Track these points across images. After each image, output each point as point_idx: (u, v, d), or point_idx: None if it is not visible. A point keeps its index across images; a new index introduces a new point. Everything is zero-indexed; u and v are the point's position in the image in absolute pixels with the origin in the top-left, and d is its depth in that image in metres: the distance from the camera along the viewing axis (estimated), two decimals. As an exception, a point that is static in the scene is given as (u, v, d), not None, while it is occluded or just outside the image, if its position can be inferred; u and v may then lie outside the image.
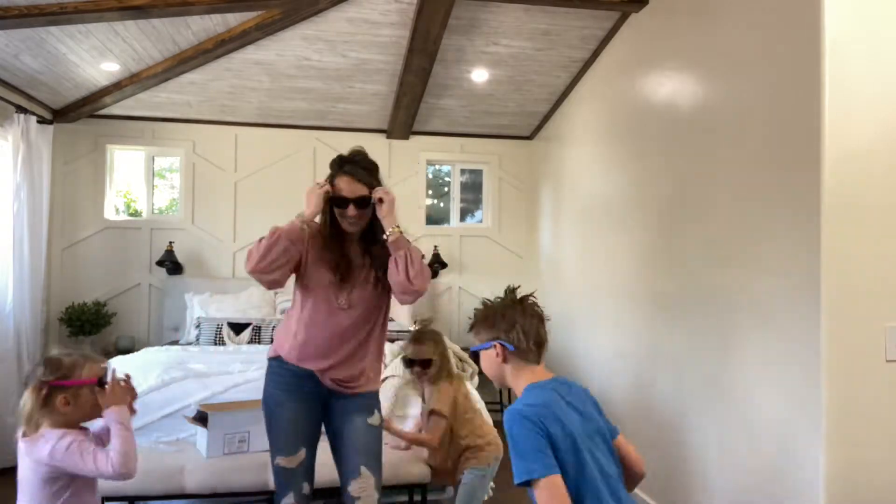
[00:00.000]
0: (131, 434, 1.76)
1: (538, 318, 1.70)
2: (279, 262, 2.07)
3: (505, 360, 1.69)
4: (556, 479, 1.44)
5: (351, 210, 2.15)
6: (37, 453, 1.69)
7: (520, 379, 1.68)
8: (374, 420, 2.27)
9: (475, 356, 1.80)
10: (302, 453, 2.20)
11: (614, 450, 1.65)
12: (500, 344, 1.68)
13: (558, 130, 5.14)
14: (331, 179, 2.20)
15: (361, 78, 4.64)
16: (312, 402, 2.22)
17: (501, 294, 1.77)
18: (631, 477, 1.71)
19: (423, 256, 2.22)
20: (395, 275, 2.13)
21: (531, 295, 1.73)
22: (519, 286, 1.76)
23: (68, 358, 1.79)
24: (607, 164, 4.18)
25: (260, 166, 5.37)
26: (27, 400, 1.77)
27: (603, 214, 4.21)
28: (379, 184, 2.23)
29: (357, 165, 2.22)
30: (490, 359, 1.72)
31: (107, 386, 1.80)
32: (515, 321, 1.67)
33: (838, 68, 2.27)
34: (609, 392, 4.01)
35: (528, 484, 1.45)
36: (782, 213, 2.48)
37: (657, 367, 3.44)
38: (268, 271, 2.07)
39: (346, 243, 2.23)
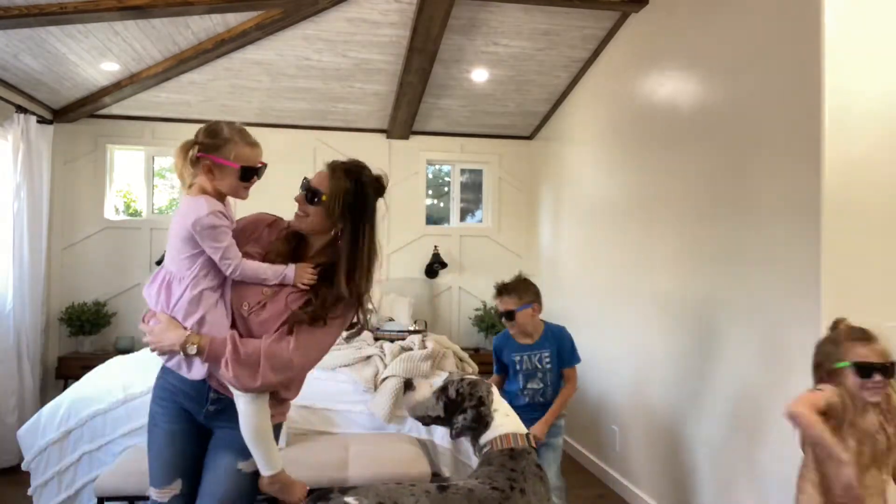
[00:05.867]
0: (267, 276, 1.77)
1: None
2: None
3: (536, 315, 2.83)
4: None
5: (298, 196, 1.88)
6: (186, 215, 1.71)
7: (539, 323, 2.87)
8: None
9: (510, 315, 2.78)
10: None
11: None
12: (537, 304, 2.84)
13: (558, 130, 5.14)
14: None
15: (361, 78, 4.64)
16: None
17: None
18: None
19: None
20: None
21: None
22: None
23: (228, 129, 1.77)
24: (607, 164, 4.18)
25: (260, 166, 5.36)
26: (178, 155, 1.75)
27: (603, 214, 4.21)
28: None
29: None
30: (528, 315, 2.79)
31: (253, 178, 1.80)
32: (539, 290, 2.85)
33: (838, 68, 2.27)
34: (608, 391, 4.01)
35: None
36: (782, 213, 2.48)
37: (656, 367, 3.44)
38: None
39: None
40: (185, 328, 1.71)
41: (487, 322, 5.28)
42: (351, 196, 1.79)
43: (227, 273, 1.75)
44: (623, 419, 3.81)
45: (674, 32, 3.36)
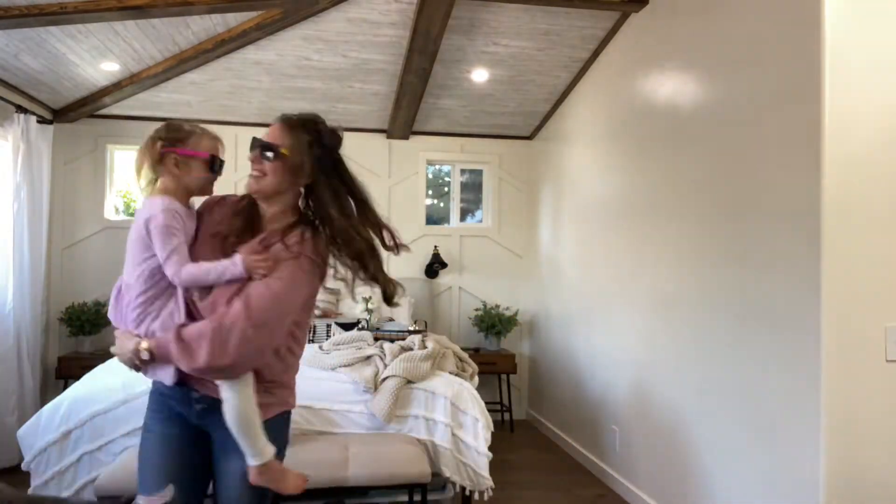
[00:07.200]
0: (210, 278, 1.62)
1: None
2: None
3: None
4: None
5: (251, 156, 1.73)
6: (142, 213, 1.66)
7: None
8: None
9: None
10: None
11: None
12: None
13: (558, 130, 5.14)
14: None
15: (361, 78, 4.64)
16: None
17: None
18: None
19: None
20: None
21: None
22: None
23: (187, 125, 1.75)
24: (607, 164, 4.18)
25: (260, 166, 5.35)
26: (139, 156, 1.70)
27: (603, 214, 4.21)
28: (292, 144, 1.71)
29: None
30: None
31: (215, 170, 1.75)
32: None
33: (838, 68, 2.27)
34: (609, 392, 4.01)
35: None
36: (783, 213, 2.48)
37: (657, 367, 3.44)
38: None
39: None
40: (139, 336, 1.67)
41: (487, 322, 5.28)
42: (318, 149, 1.69)
43: (170, 276, 1.63)
44: (623, 419, 3.81)
45: (674, 32, 3.36)
